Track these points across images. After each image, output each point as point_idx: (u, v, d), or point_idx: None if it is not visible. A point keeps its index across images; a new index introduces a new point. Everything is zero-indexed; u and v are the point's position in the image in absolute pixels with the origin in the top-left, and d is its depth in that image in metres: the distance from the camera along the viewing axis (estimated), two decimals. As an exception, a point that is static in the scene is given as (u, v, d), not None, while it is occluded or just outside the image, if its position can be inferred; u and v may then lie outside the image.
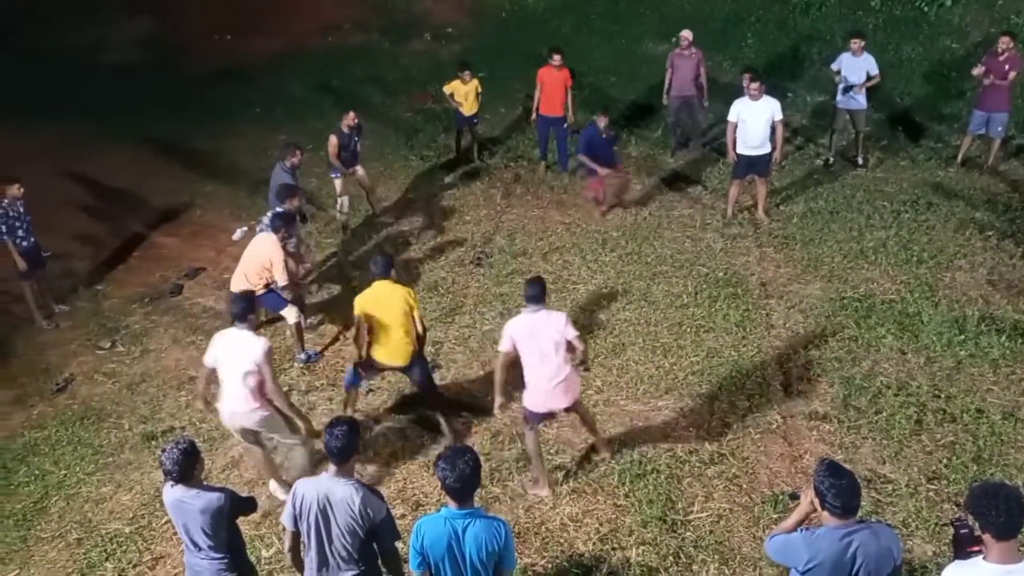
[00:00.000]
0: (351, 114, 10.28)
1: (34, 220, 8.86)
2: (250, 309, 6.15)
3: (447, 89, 12.08)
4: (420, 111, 14.26)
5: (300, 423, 6.27)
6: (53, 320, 9.11)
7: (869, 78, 11.01)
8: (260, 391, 6.03)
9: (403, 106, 14.61)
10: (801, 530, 3.97)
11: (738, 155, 10.04)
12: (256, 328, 6.21)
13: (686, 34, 11.62)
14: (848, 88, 10.98)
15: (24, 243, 8.69)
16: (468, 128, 12.39)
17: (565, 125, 11.78)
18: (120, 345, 8.69)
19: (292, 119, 14.13)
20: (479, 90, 12.07)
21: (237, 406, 6.07)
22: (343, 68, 15.80)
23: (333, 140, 10.17)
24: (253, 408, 6.07)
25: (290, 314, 8.03)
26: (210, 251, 10.38)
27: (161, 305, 9.32)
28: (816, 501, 3.90)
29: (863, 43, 11.02)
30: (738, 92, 10.22)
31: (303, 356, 8.22)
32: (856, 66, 11.02)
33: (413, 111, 14.36)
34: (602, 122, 10.31)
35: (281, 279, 7.75)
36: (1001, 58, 10.61)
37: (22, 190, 8.61)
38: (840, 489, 3.79)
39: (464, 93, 11.96)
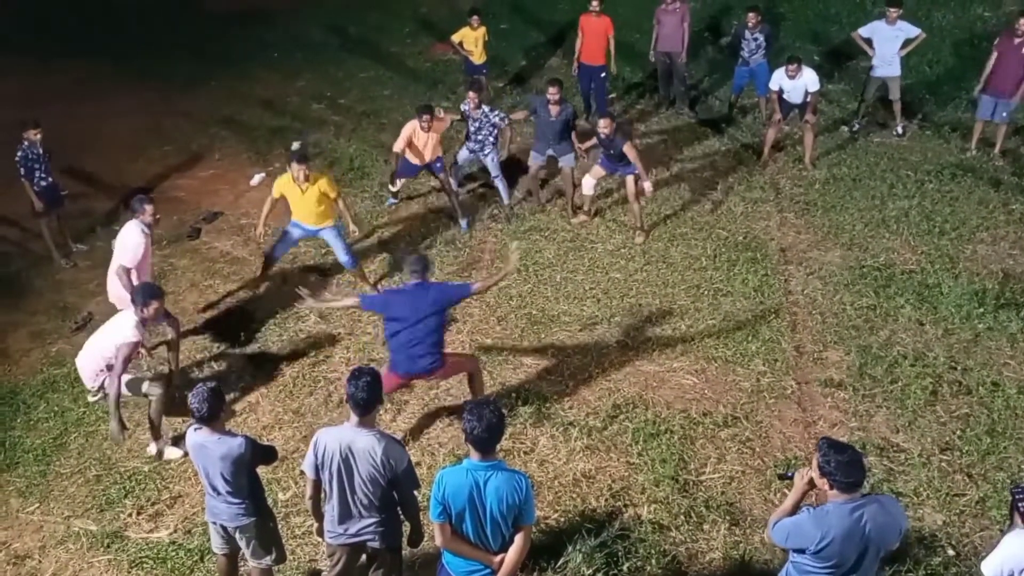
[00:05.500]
0: None
1: (52, 160, 8.85)
2: (142, 301, 6.20)
3: (456, 37, 11.96)
4: (440, 61, 14.10)
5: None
6: (71, 259, 9.14)
7: (907, 43, 10.79)
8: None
9: (423, 56, 14.45)
10: (807, 509, 3.97)
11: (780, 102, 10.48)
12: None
13: None
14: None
15: (43, 183, 8.69)
16: (478, 77, 12.26)
17: (604, 75, 11.65)
18: (138, 286, 8.72)
19: (310, 65, 14.03)
20: (487, 38, 11.93)
21: (85, 363, 6.42)
22: (362, 14, 15.61)
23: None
24: (94, 374, 6.36)
25: None
26: (228, 195, 10.35)
27: (179, 248, 9.33)
28: (823, 481, 3.90)
29: (899, 12, 10.73)
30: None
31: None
32: (889, 35, 10.76)
33: (433, 61, 14.21)
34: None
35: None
36: (1017, 41, 10.09)
37: (39, 135, 8.60)
38: (849, 465, 3.81)
39: (473, 40, 11.82)
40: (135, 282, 7.06)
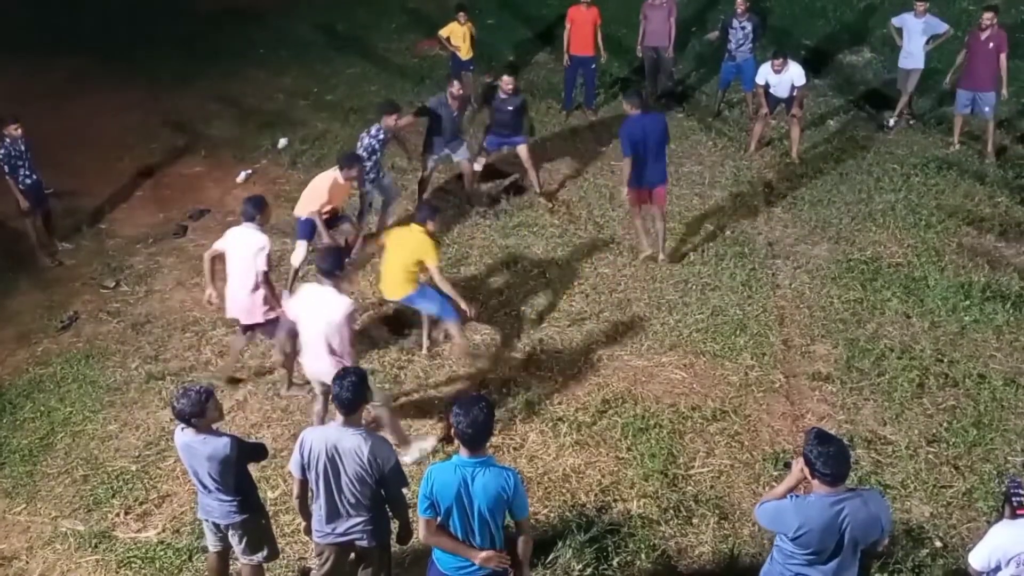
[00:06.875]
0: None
1: (40, 157, 8.81)
2: (337, 265, 5.87)
3: (443, 33, 11.94)
4: (426, 57, 14.07)
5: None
6: (56, 258, 9.08)
7: (934, 37, 10.82)
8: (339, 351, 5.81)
9: (409, 52, 14.42)
10: (791, 497, 3.99)
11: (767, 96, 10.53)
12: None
13: None
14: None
15: (27, 180, 8.63)
16: (466, 74, 12.22)
17: (594, 65, 11.70)
18: (124, 285, 8.67)
19: (297, 62, 13.98)
20: (474, 33, 11.92)
21: (319, 363, 5.88)
22: (350, 10, 15.58)
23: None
24: (333, 367, 5.69)
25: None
26: (214, 193, 10.31)
27: (165, 246, 9.28)
28: (806, 470, 3.92)
29: (926, 5, 10.75)
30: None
31: None
32: (915, 28, 10.81)
33: (419, 57, 14.17)
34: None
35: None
36: (984, 36, 10.16)
37: (20, 129, 8.52)
38: (829, 457, 3.80)
39: (461, 35, 11.80)
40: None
